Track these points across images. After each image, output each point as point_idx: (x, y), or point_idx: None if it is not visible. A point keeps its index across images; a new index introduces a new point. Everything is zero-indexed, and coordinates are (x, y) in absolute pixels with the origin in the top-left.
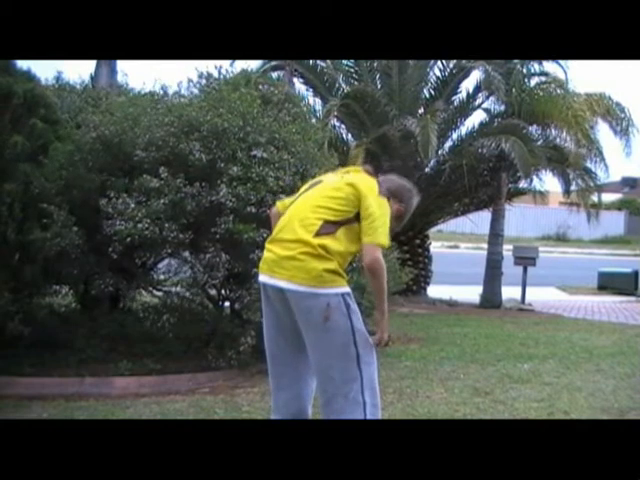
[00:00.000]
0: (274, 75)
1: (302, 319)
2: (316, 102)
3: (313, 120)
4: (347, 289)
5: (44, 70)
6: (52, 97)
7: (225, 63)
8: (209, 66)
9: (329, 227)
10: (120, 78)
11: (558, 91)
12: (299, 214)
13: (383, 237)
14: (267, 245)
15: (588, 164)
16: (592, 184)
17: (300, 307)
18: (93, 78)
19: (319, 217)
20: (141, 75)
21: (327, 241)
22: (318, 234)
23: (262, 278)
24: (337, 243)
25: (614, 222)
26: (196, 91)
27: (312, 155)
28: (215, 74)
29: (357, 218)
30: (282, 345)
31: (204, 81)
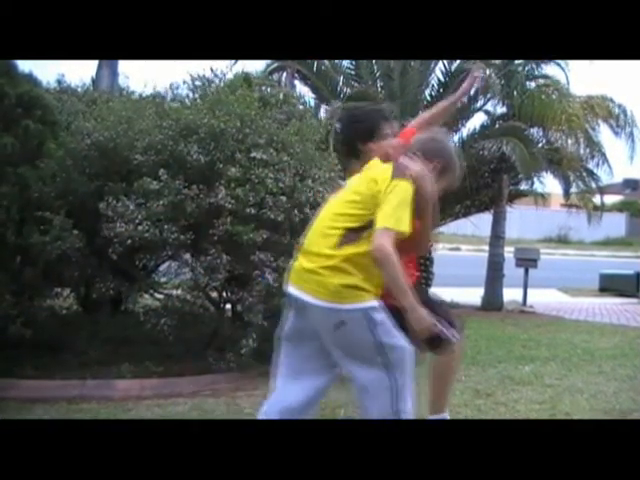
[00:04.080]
0: (275, 77)
1: (325, 336)
2: (317, 103)
3: (314, 121)
4: (371, 303)
5: (47, 73)
6: (51, 99)
7: (223, 65)
8: (205, 68)
9: (350, 235)
10: (122, 80)
11: (556, 94)
12: (321, 224)
13: (393, 220)
14: (299, 254)
15: (590, 166)
16: (594, 185)
17: (321, 323)
18: (94, 81)
19: (339, 226)
20: (143, 77)
21: (350, 251)
22: (340, 245)
23: (288, 288)
24: (360, 252)
25: (615, 224)
26: (190, 93)
27: (311, 156)
28: (211, 77)
29: None
30: (301, 361)
31: (199, 84)
